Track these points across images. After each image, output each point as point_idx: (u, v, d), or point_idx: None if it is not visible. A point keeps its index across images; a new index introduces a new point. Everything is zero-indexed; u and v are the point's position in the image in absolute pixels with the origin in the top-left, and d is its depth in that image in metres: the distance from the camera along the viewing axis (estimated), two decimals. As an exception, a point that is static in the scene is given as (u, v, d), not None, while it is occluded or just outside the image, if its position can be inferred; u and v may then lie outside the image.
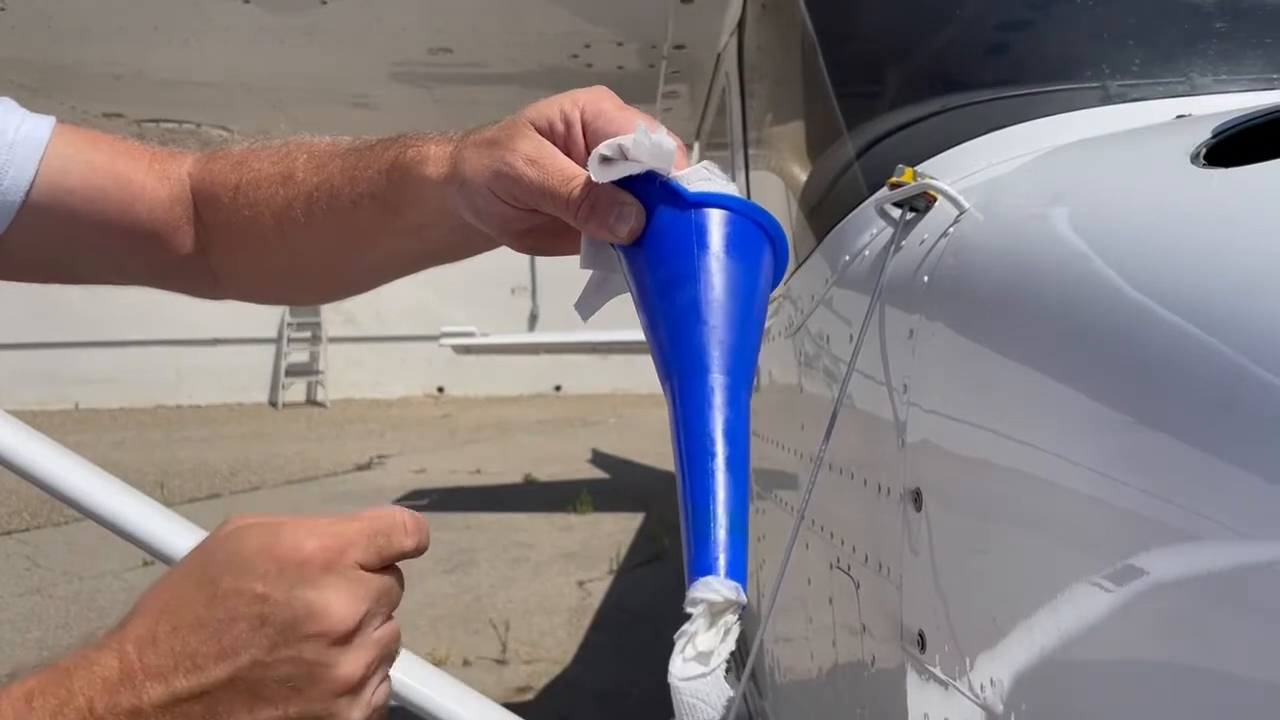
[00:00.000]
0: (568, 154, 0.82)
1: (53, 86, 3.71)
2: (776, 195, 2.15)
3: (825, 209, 1.59)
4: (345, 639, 0.61)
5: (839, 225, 1.45)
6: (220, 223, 0.96)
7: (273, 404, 15.95)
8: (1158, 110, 1.27)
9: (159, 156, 0.98)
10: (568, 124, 0.82)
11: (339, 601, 0.62)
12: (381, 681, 0.66)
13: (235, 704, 0.58)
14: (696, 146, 4.35)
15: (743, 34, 2.52)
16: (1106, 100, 1.34)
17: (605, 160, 0.79)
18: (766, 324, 2.03)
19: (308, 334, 16.05)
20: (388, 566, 0.68)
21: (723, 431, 0.70)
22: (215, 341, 15.35)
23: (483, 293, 14.22)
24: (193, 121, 4.36)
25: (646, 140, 0.78)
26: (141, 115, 4.20)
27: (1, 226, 0.90)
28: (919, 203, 1.20)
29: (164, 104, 4.09)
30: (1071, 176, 1.10)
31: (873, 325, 1.20)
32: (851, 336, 1.26)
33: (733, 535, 0.67)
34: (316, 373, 16.07)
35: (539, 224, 0.85)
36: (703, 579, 0.66)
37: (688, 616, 0.66)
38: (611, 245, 0.82)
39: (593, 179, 0.78)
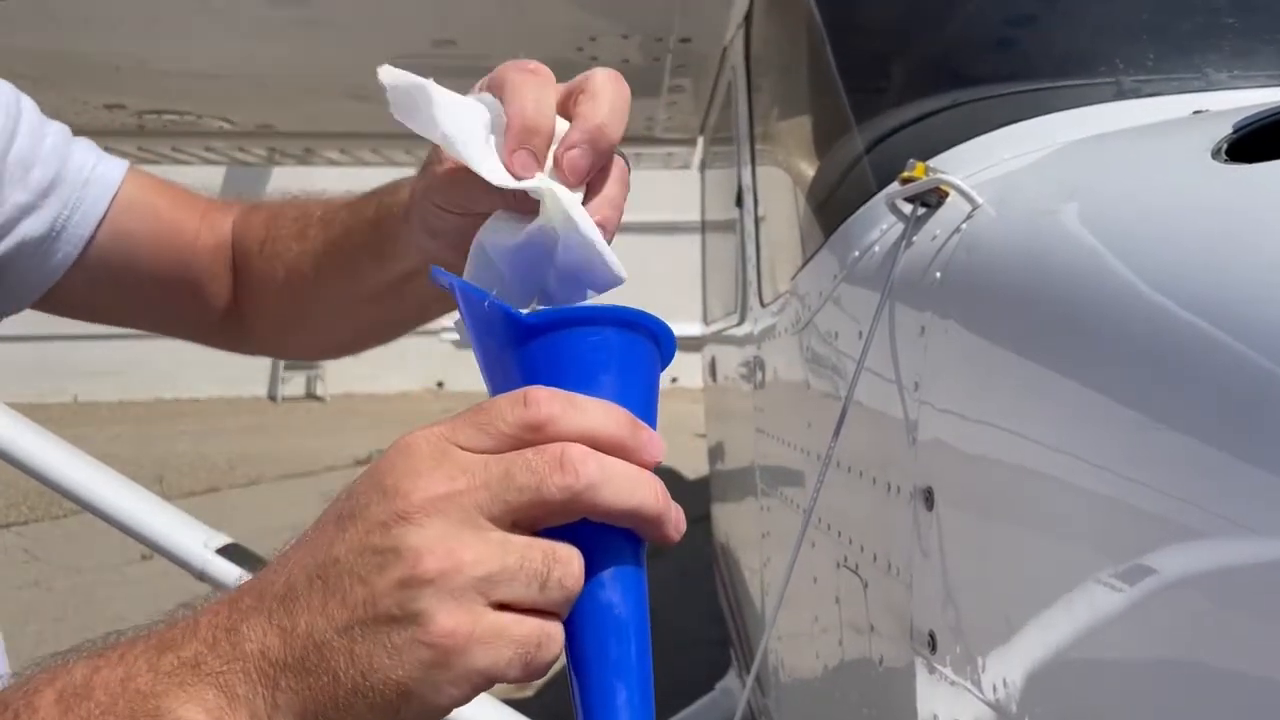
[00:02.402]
0: None
1: (54, 77, 3.69)
2: (784, 190, 2.14)
3: (834, 204, 1.58)
4: (410, 515, 0.51)
5: (848, 220, 1.43)
6: (250, 275, 0.97)
7: (271, 398, 15.95)
8: (1173, 105, 1.25)
9: (214, 206, 0.99)
10: None
11: (407, 475, 0.52)
12: (501, 662, 0.51)
13: (312, 601, 0.51)
14: (701, 141, 4.34)
15: (750, 27, 2.51)
16: (1120, 95, 1.33)
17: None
18: (773, 320, 2.03)
19: (307, 328, 16.02)
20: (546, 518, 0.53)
21: (624, 608, 0.57)
22: (214, 335, 15.32)
23: (483, 287, 14.17)
24: (194, 113, 4.35)
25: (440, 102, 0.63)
26: (143, 106, 4.19)
27: (69, 260, 0.91)
28: (930, 198, 1.18)
29: (165, 95, 4.08)
30: (1088, 171, 1.09)
31: (883, 322, 1.19)
32: (861, 333, 1.24)
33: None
34: (315, 366, 16.06)
35: None
36: None
37: None
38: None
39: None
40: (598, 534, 0.55)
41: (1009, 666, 0.91)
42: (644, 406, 0.59)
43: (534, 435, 0.53)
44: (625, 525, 0.55)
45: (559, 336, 0.58)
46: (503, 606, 0.51)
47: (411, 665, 0.50)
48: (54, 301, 0.94)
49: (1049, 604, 0.86)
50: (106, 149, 0.96)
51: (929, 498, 1.06)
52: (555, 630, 0.53)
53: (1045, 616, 0.86)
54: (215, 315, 1.00)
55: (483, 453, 0.53)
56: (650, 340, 0.60)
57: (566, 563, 0.53)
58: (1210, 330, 0.71)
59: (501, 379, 0.59)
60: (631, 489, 0.54)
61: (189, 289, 0.98)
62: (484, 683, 0.51)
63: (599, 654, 0.56)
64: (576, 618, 0.55)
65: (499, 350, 0.59)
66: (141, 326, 1.03)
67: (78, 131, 0.94)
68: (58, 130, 0.91)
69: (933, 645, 1.05)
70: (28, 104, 0.89)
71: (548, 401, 0.54)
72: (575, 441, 0.53)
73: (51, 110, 0.92)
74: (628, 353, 0.59)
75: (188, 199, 0.98)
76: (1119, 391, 0.80)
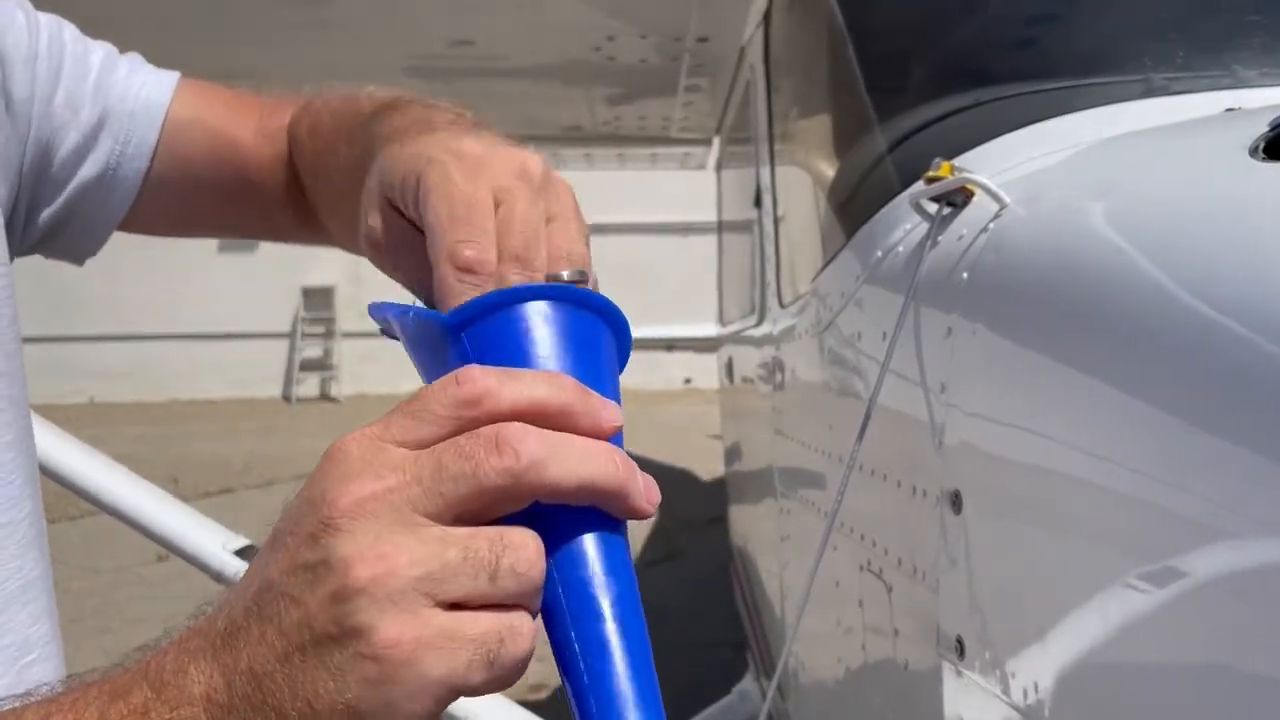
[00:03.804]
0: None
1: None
2: (804, 190, 2.12)
3: (856, 204, 1.57)
4: (336, 522, 0.47)
5: (871, 221, 1.42)
6: (310, 192, 0.92)
7: (286, 399, 15.98)
8: (1203, 103, 1.23)
9: (267, 112, 0.93)
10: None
11: (335, 481, 0.48)
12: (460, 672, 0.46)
13: (250, 632, 0.47)
14: (717, 141, 4.33)
15: (769, 26, 2.50)
16: (1149, 93, 1.31)
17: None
18: (793, 321, 2.01)
19: (321, 329, 16.07)
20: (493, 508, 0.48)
21: (606, 590, 0.51)
22: (229, 336, 15.39)
23: (496, 289, 14.19)
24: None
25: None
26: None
27: (131, 195, 0.89)
28: (956, 197, 1.17)
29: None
30: (1119, 170, 1.07)
31: (908, 323, 1.17)
32: (885, 334, 1.23)
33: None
34: (330, 368, 16.09)
35: None
36: None
37: None
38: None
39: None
40: (561, 515, 0.50)
41: (1040, 672, 0.89)
42: (594, 377, 0.54)
43: (471, 412, 0.48)
44: (584, 502, 0.50)
45: (484, 326, 0.54)
46: (456, 606, 0.46)
47: (358, 685, 0.45)
48: (129, 228, 0.92)
49: (1080, 608, 0.84)
50: None
51: (956, 501, 1.04)
52: (519, 622, 0.48)
53: (1077, 621, 0.85)
54: (291, 222, 0.95)
55: (418, 444, 0.49)
56: (588, 311, 0.56)
57: (519, 547, 0.47)
58: (1247, 333, 0.70)
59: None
60: (582, 461, 0.49)
61: (256, 201, 0.94)
62: (446, 693, 0.46)
63: (586, 643, 0.50)
64: (553, 608, 0.51)
65: (434, 361, 0.56)
66: (224, 236, 1.00)
67: None
68: (101, 58, 0.87)
69: (960, 650, 1.03)
70: (70, 34, 0.85)
71: (482, 376, 0.49)
72: (518, 414, 0.49)
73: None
74: (563, 326, 0.55)
75: (239, 109, 0.93)
76: (1151, 394, 0.78)
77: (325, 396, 16.24)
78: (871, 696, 1.44)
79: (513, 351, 0.53)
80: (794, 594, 2.05)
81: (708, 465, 7.20)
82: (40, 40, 0.80)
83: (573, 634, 0.50)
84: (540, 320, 0.54)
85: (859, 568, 1.39)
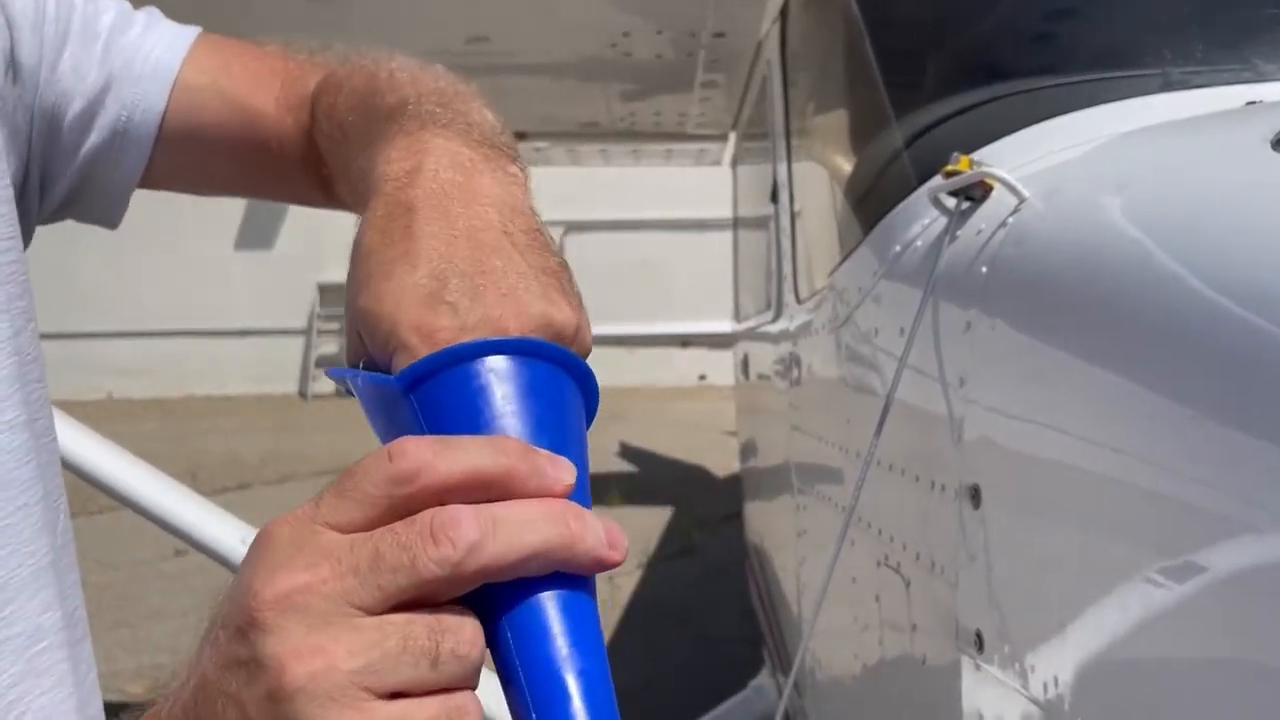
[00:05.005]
0: None
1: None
2: (821, 185, 2.12)
3: (873, 199, 1.56)
4: (262, 617, 0.45)
5: (889, 215, 1.42)
6: (325, 158, 0.88)
7: (302, 395, 16.02)
8: (1223, 97, 1.23)
9: (290, 79, 0.90)
10: None
11: (261, 570, 0.46)
12: None
13: None
14: (733, 136, 4.33)
15: (786, 21, 2.49)
16: (1168, 87, 1.30)
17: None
18: (810, 317, 2.01)
19: (337, 325, 16.09)
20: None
21: (570, 664, 0.48)
22: (245, 332, 15.44)
23: (512, 285, 14.18)
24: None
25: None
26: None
27: (143, 160, 0.87)
28: (975, 192, 1.17)
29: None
30: (1140, 163, 1.07)
31: (926, 318, 1.17)
32: (903, 329, 1.23)
33: None
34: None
35: None
36: None
37: None
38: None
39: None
40: (515, 584, 0.48)
41: (1060, 666, 0.89)
42: (555, 433, 0.52)
43: (405, 489, 0.46)
44: (536, 571, 0.47)
45: (431, 387, 0.52)
46: (398, 695, 0.45)
47: None
48: (150, 186, 0.90)
49: (1100, 603, 0.84)
50: None
51: (975, 496, 1.04)
52: (465, 701, 0.46)
53: (1097, 615, 0.85)
54: (310, 189, 0.92)
55: (352, 526, 0.46)
56: (546, 363, 0.53)
57: (457, 630, 0.46)
58: (1268, 326, 0.69)
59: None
60: (523, 531, 0.47)
61: (274, 168, 0.92)
62: None
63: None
64: (514, 685, 0.48)
65: (387, 425, 0.54)
66: (243, 196, 0.99)
67: None
68: (112, 19, 0.84)
69: (980, 644, 1.03)
70: None
71: (416, 449, 0.47)
72: (456, 486, 0.46)
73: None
74: (518, 382, 0.52)
75: (260, 73, 0.90)
76: (1172, 388, 0.78)
77: (340, 393, 16.29)
78: (889, 691, 1.44)
79: (462, 412, 0.51)
80: (811, 589, 2.05)
81: (722, 462, 7.19)
82: (48, 2, 0.78)
83: (536, 712, 0.47)
84: (492, 377, 0.51)
85: (877, 563, 1.39)
